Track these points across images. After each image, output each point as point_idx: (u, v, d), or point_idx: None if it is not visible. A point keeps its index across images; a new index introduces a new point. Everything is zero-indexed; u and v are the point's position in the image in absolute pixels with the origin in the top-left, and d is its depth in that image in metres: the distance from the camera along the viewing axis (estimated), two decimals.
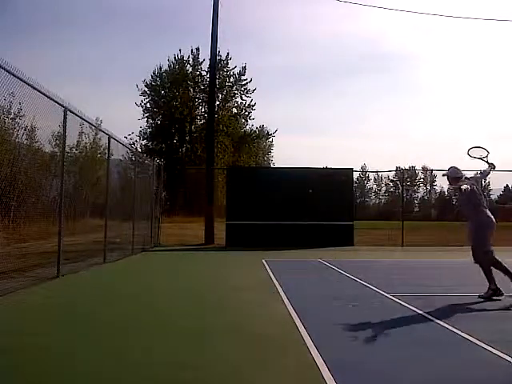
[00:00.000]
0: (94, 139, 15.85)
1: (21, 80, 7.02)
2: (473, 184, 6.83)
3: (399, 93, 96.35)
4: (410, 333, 4.97)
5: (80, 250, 11.17)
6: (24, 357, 4.03)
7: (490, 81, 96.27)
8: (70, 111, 8.85)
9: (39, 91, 7.63)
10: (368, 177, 76.92)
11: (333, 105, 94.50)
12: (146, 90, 46.31)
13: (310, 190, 16.96)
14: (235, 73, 46.32)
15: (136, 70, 79.01)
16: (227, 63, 45.84)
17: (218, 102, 41.24)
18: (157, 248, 16.21)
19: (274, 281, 8.50)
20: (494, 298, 6.63)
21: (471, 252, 6.90)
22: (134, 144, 43.60)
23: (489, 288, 6.71)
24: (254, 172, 21.38)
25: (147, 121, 47.12)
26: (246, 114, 47.74)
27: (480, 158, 7.33)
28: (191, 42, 64.77)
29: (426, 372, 3.73)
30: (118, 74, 74.44)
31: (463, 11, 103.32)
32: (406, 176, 45.94)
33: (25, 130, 9.12)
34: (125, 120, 70.79)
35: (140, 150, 41.63)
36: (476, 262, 6.86)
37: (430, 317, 5.59)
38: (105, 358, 4.06)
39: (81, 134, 13.35)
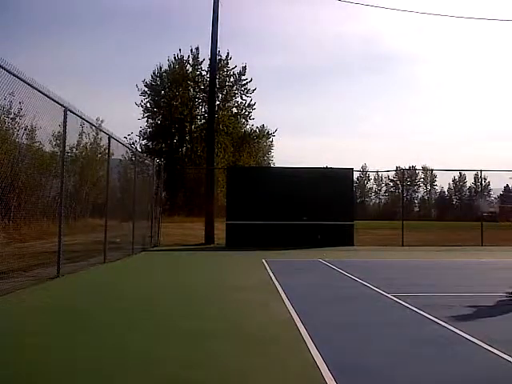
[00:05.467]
0: (95, 139, 15.87)
1: (21, 80, 7.02)
2: None
3: (399, 93, 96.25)
4: (410, 333, 4.98)
5: (80, 249, 11.18)
6: (24, 357, 4.03)
7: (490, 81, 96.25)
8: (70, 111, 8.84)
9: (39, 91, 7.62)
10: (368, 177, 76.94)
11: (333, 105, 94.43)
12: (146, 89, 46.32)
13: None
14: (235, 73, 46.37)
15: (136, 69, 79.05)
16: (227, 63, 45.87)
17: (218, 102, 41.23)
18: (157, 248, 16.21)
19: (274, 281, 8.49)
20: None
21: None
22: (133, 144, 43.63)
23: None
24: (254, 172, 21.36)
25: (147, 121, 47.16)
26: (246, 113, 47.77)
27: None
28: (191, 41, 64.60)
29: (426, 372, 3.73)
30: (118, 74, 74.47)
31: (463, 11, 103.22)
32: (405, 176, 45.92)
33: (25, 129, 9.13)
34: (125, 120, 70.78)
35: (140, 149, 41.63)
36: None
37: (430, 317, 5.59)
38: (105, 357, 4.06)
39: (81, 133, 13.37)
